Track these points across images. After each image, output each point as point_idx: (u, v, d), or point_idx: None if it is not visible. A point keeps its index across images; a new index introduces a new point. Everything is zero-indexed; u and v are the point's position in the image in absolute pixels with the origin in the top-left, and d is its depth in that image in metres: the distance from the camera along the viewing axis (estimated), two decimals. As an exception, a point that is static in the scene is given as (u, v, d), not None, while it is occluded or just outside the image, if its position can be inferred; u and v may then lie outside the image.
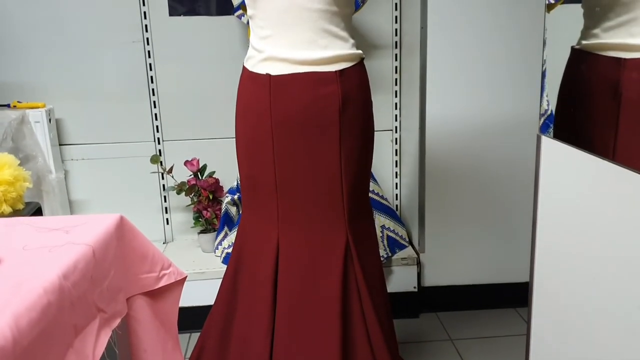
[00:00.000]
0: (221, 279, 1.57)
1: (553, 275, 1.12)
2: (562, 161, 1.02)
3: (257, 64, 1.36)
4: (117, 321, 1.03)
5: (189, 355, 1.63)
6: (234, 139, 1.52)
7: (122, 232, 1.09)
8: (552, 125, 1.25)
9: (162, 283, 1.17)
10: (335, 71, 1.32)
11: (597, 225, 0.94)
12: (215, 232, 2.32)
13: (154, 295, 1.19)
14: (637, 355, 0.85)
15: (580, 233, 1.00)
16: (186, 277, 1.23)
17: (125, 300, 1.09)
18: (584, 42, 1.31)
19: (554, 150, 1.04)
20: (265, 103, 1.34)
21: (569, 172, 1.00)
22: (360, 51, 1.39)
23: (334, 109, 1.34)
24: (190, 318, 2.05)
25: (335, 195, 1.42)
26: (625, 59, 1.22)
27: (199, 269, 2.19)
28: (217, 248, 2.30)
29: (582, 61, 1.31)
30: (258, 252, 1.48)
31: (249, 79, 1.39)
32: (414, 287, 2.27)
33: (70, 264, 0.89)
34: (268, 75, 1.34)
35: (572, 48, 1.35)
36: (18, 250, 0.94)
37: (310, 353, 1.42)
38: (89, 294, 0.93)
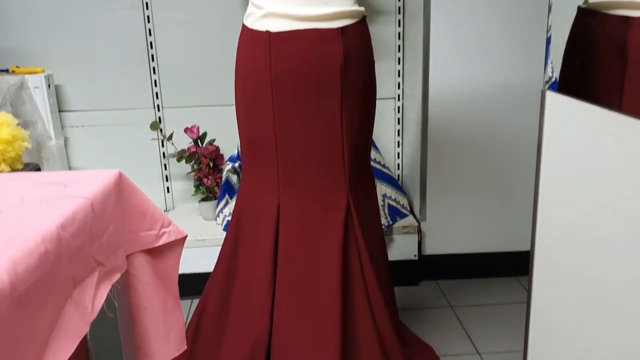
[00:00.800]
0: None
1: (555, 243, 1.11)
2: (566, 117, 1.00)
3: (257, 21, 1.34)
4: (117, 276, 1.02)
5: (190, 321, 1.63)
6: (234, 106, 1.50)
7: (120, 188, 1.08)
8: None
9: (162, 241, 1.17)
10: (337, 28, 1.30)
11: (602, 186, 0.92)
12: (216, 200, 2.31)
13: (154, 253, 1.18)
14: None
15: (584, 196, 0.98)
16: (186, 236, 1.22)
17: (124, 257, 1.08)
18: (590, 0, 1.28)
19: (559, 106, 1.02)
20: (264, 61, 1.32)
21: (574, 128, 0.99)
22: (362, 8, 1.37)
23: (335, 68, 1.32)
24: (192, 285, 2.05)
25: (336, 157, 1.41)
26: (633, 18, 1.19)
27: (200, 236, 2.19)
28: (218, 216, 2.29)
29: (588, 20, 1.29)
30: (258, 214, 1.47)
31: (248, 36, 1.37)
32: (415, 256, 2.27)
33: (68, 215, 0.88)
34: (268, 32, 1.31)
35: (579, 7, 1.33)
36: (16, 202, 0.93)
37: (311, 315, 1.42)
38: (87, 246, 0.92)
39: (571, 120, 0.99)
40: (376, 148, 2.29)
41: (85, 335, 1.09)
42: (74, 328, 0.84)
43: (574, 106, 0.97)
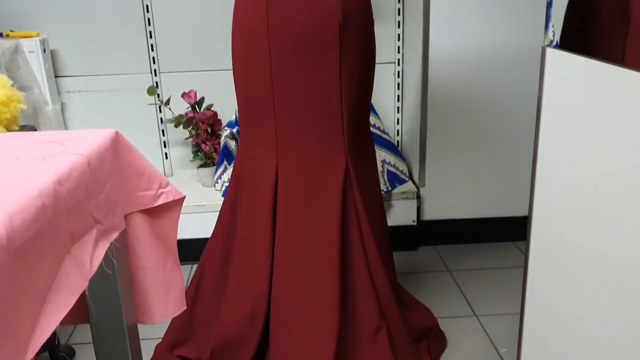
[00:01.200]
0: (221, 208, 1.57)
1: (552, 207, 1.11)
2: (567, 75, 0.99)
3: (254, -21, 1.31)
4: (115, 235, 1.02)
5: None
6: (232, 69, 1.48)
7: (117, 146, 1.07)
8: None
9: (160, 201, 1.16)
10: (336, -14, 1.28)
11: (603, 146, 0.91)
12: (215, 166, 2.30)
13: (153, 213, 1.18)
14: (637, 284, 0.85)
15: (583, 158, 0.98)
16: (184, 197, 1.21)
17: (122, 216, 1.08)
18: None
19: (560, 63, 1.00)
20: (262, 20, 1.30)
21: (575, 86, 0.97)
22: (361, -35, 1.34)
23: (333, 27, 1.30)
24: (191, 250, 2.06)
25: (335, 117, 1.40)
26: (636, -26, 1.17)
27: (199, 202, 2.19)
28: (216, 182, 2.29)
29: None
30: (257, 177, 1.47)
31: (246, -6, 1.35)
32: (413, 221, 2.27)
33: (64, 171, 0.87)
34: (266, -11, 1.29)
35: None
36: (10, 159, 0.92)
37: (310, 276, 1.43)
38: (84, 203, 0.91)
39: (572, 77, 0.98)
40: (375, 113, 2.27)
41: (85, 293, 1.10)
42: (73, 283, 0.84)
43: (575, 62, 0.95)
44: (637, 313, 0.84)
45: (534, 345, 1.20)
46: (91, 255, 0.91)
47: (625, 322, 0.87)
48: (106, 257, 0.99)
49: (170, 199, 1.18)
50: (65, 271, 0.84)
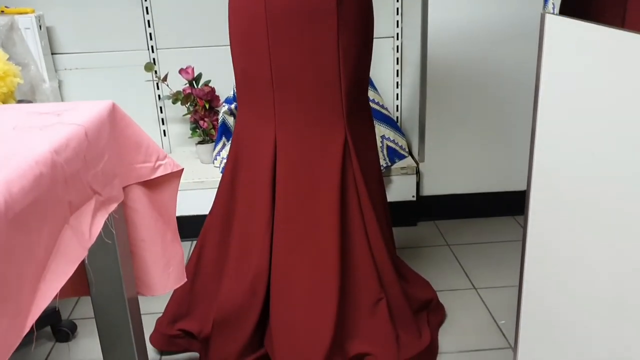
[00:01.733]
0: (220, 182, 1.56)
1: (551, 180, 1.11)
2: (567, 41, 0.98)
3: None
4: (114, 206, 1.02)
5: (189, 256, 1.64)
6: (229, 45, 1.47)
7: (114, 118, 1.07)
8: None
9: (158, 173, 1.16)
10: (333, -44, 1.26)
11: (603, 115, 0.91)
12: (213, 143, 2.30)
13: (151, 186, 1.18)
14: (636, 248, 0.85)
15: (582, 129, 0.97)
16: (182, 169, 1.21)
17: (121, 188, 1.08)
18: None
19: (559, 29, 0.99)
20: (259, -8, 1.29)
21: (575, 53, 0.97)
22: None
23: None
24: (191, 227, 2.06)
25: (333, 90, 1.39)
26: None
27: (197, 178, 2.19)
28: (215, 158, 2.29)
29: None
30: (255, 150, 1.46)
31: (242, -35, 1.33)
32: (413, 196, 2.28)
33: (62, 141, 0.87)
34: (262, -40, 1.28)
35: None
36: (7, 130, 0.92)
37: (310, 249, 1.44)
38: (82, 173, 0.91)
39: (571, 43, 0.97)
40: (374, 88, 2.26)
41: (85, 265, 1.10)
42: (72, 252, 0.84)
43: (575, 27, 0.94)
44: (638, 282, 0.84)
45: (533, 316, 1.21)
46: (90, 225, 0.92)
47: (625, 292, 0.87)
48: (105, 227, 0.99)
49: (169, 171, 1.18)
50: (64, 240, 0.84)
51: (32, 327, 0.72)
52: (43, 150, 0.82)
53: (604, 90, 0.89)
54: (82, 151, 0.92)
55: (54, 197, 0.82)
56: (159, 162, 1.17)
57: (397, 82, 2.40)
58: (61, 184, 0.84)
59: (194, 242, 1.93)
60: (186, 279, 1.24)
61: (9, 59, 2.12)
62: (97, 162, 0.97)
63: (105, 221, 0.98)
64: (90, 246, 0.90)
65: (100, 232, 0.94)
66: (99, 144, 0.99)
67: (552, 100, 1.07)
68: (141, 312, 1.25)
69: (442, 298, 1.76)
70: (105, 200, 0.99)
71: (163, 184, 1.21)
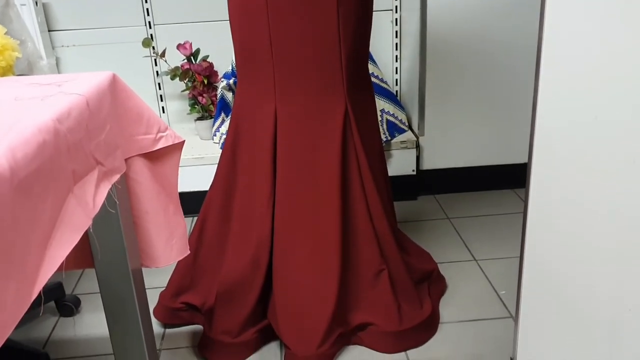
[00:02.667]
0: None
1: (552, 151, 1.10)
2: (569, 5, 0.97)
3: None
4: (116, 177, 1.02)
5: (191, 230, 1.65)
6: (228, 21, 1.46)
7: (115, 89, 1.07)
8: None
9: (159, 145, 1.16)
10: None
11: (605, 82, 0.90)
12: (212, 119, 2.29)
13: (153, 158, 1.18)
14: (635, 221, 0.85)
15: (584, 99, 0.96)
16: (184, 141, 1.21)
17: (123, 159, 1.08)
18: None
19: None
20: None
21: (578, 18, 0.96)
22: None
23: (330, -32, 1.28)
24: (191, 203, 2.06)
25: (333, 62, 1.38)
26: None
27: (197, 154, 2.19)
28: (214, 135, 2.28)
29: None
30: (256, 124, 1.46)
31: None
32: (413, 171, 2.28)
33: (64, 110, 0.87)
34: None
35: None
36: (9, 100, 0.92)
37: (311, 220, 1.44)
38: (85, 142, 0.91)
39: (576, 5, 0.96)
40: (374, 62, 2.25)
41: (89, 236, 1.11)
42: (77, 221, 0.85)
43: (578, -8, 0.94)
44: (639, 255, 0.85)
45: (534, 286, 1.22)
46: (94, 195, 0.92)
47: (629, 260, 0.88)
48: (108, 198, 0.99)
49: (170, 142, 1.18)
50: (69, 209, 0.84)
51: (40, 300, 0.73)
52: (45, 118, 0.82)
53: (609, 54, 0.88)
54: (84, 120, 0.92)
55: (57, 165, 0.82)
56: (160, 134, 1.17)
57: (397, 56, 2.39)
58: (64, 152, 0.84)
59: (195, 219, 1.94)
60: (189, 251, 1.25)
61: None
62: (99, 132, 0.97)
63: (108, 192, 0.98)
64: (94, 215, 0.90)
65: (104, 202, 0.94)
66: (100, 113, 0.98)
67: (554, 70, 1.07)
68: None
69: (443, 270, 1.77)
70: (108, 170, 0.99)
71: (164, 156, 1.21)
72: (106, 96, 1.02)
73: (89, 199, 0.90)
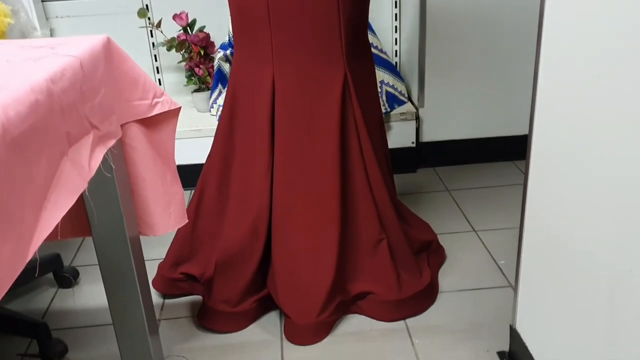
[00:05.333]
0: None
1: (553, 123, 1.09)
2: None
3: None
4: (112, 142, 1.01)
5: (189, 201, 1.63)
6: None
7: (110, 53, 1.05)
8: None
9: (155, 111, 1.14)
10: None
11: (606, 56, 0.88)
12: (209, 91, 2.27)
13: (149, 124, 1.16)
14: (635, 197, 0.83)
15: (586, 66, 0.95)
16: (180, 107, 1.20)
17: (119, 124, 1.06)
18: None
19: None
20: None
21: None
22: None
23: None
24: (189, 176, 2.05)
25: (332, 28, 1.36)
26: None
27: (195, 126, 2.17)
28: (212, 107, 2.26)
29: None
30: (253, 91, 1.44)
31: None
32: (412, 143, 2.26)
33: (57, 71, 0.85)
34: None
35: None
36: (1, 62, 0.90)
37: (310, 189, 1.43)
38: (79, 105, 0.89)
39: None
40: (373, 32, 2.22)
41: (86, 202, 1.10)
42: (72, 183, 0.83)
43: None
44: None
45: (534, 254, 1.21)
46: (89, 158, 0.90)
47: (628, 226, 0.87)
48: (104, 162, 0.98)
49: (166, 108, 1.16)
50: (64, 171, 0.83)
51: (38, 270, 0.72)
52: (38, 78, 0.80)
53: (610, 23, 0.86)
54: (78, 82, 0.90)
55: (51, 126, 0.80)
56: (156, 100, 1.15)
57: (396, 26, 2.35)
58: (58, 113, 0.82)
59: (193, 191, 1.93)
60: (187, 220, 1.24)
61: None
62: (94, 95, 0.95)
63: (104, 156, 0.97)
64: (89, 179, 0.88)
65: (100, 166, 0.93)
66: (94, 76, 0.96)
67: (555, 41, 1.05)
68: (142, 257, 1.26)
69: (442, 240, 1.76)
70: (103, 135, 0.98)
71: (161, 122, 1.19)
72: (100, 59, 1.00)
73: (84, 162, 0.89)
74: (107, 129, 1.00)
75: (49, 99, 0.80)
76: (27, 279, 1.64)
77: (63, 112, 0.84)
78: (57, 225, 0.78)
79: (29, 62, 0.88)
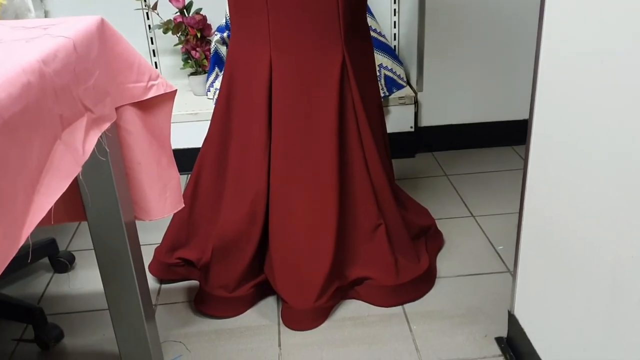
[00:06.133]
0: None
1: (553, 108, 1.07)
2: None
3: None
4: (107, 125, 0.99)
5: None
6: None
7: (104, 34, 1.02)
8: None
9: (151, 94, 1.12)
10: None
11: (607, 42, 0.87)
12: (206, 74, 2.24)
13: (144, 108, 1.14)
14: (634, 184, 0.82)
15: (587, 52, 0.93)
16: (176, 90, 1.18)
17: (113, 107, 1.04)
18: None
19: None
20: None
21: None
22: None
23: None
24: (186, 160, 2.03)
25: (330, 9, 1.34)
26: None
27: (191, 110, 2.15)
28: (208, 90, 2.24)
29: None
30: (250, 72, 1.42)
31: None
32: (411, 127, 2.25)
33: (50, 52, 0.83)
34: None
35: None
36: (-8, 43, 0.88)
37: (307, 173, 1.42)
38: (73, 87, 0.88)
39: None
40: (372, 15, 2.19)
41: (80, 186, 1.08)
42: (66, 167, 0.82)
43: None
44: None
45: (533, 240, 1.20)
46: (83, 141, 0.89)
47: (629, 211, 0.86)
48: (99, 146, 0.96)
49: (162, 91, 1.14)
50: (57, 155, 0.81)
51: (34, 256, 0.71)
52: (30, 59, 0.78)
53: (613, 6, 0.84)
54: (71, 64, 0.88)
55: (44, 108, 0.78)
56: (151, 82, 1.13)
57: (395, 9, 2.32)
58: (51, 95, 0.80)
59: (189, 176, 1.92)
60: (184, 205, 1.23)
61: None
62: (88, 77, 0.94)
63: (99, 139, 0.95)
64: (83, 162, 0.87)
65: (94, 149, 0.91)
66: (88, 58, 0.94)
67: (556, 24, 1.03)
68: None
69: (441, 226, 1.75)
70: (97, 118, 0.96)
71: (156, 105, 1.17)
72: (94, 41, 0.98)
73: (78, 146, 0.87)
74: (102, 111, 0.98)
75: (41, 80, 0.78)
76: (22, 264, 1.63)
77: (56, 94, 0.82)
78: (50, 210, 0.76)
79: (21, 43, 0.86)
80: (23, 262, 1.60)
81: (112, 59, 1.05)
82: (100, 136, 0.96)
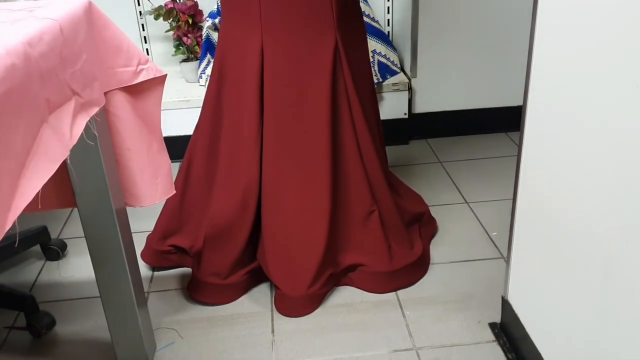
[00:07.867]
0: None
1: (548, 94, 1.06)
2: None
3: None
4: (95, 110, 0.98)
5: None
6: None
7: (91, 17, 1.01)
8: None
9: (140, 78, 1.11)
10: None
11: (602, 29, 0.86)
12: (198, 61, 2.22)
13: (134, 92, 1.13)
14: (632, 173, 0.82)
15: (580, 43, 0.92)
16: (166, 75, 1.16)
17: (102, 92, 1.03)
18: None
19: None
20: None
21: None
22: None
23: None
24: (177, 147, 2.01)
25: (323, -9, 1.32)
26: None
27: (183, 97, 2.13)
28: (200, 77, 2.22)
29: None
30: (241, 58, 1.40)
31: None
32: (405, 114, 2.23)
33: (35, 34, 0.82)
34: None
35: None
36: (-24, 25, 0.86)
37: (300, 159, 1.41)
38: (59, 70, 0.86)
39: None
40: (365, 0, 2.17)
41: (69, 172, 1.07)
42: (53, 151, 0.81)
43: None
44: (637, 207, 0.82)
45: (527, 226, 1.20)
46: (70, 125, 0.87)
47: (625, 195, 0.85)
48: (87, 130, 0.95)
49: (151, 76, 1.12)
50: (43, 138, 0.80)
51: (22, 244, 0.69)
52: (15, 41, 0.77)
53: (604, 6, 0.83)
54: (58, 47, 0.86)
55: (29, 92, 0.77)
56: (140, 67, 1.11)
57: (388, -5, 2.31)
58: (36, 79, 0.79)
59: (181, 163, 1.91)
60: (175, 191, 1.22)
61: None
62: (75, 60, 0.92)
63: (87, 124, 0.94)
64: (71, 146, 0.86)
65: (83, 134, 0.90)
66: (75, 41, 0.93)
67: (551, 10, 1.02)
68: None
69: (434, 212, 1.75)
70: (85, 102, 0.94)
71: (146, 90, 1.15)
72: (82, 24, 0.97)
73: (66, 130, 0.86)
74: (90, 96, 0.97)
75: (27, 63, 0.77)
76: (13, 251, 1.62)
77: (42, 77, 0.80)
78: (37, 195, 0.75)
79: (6, 25, 0.84)
80: (15, 249, 1.59)
81: (100, 43, 1.04)
82: (89, 121, 0.94)
